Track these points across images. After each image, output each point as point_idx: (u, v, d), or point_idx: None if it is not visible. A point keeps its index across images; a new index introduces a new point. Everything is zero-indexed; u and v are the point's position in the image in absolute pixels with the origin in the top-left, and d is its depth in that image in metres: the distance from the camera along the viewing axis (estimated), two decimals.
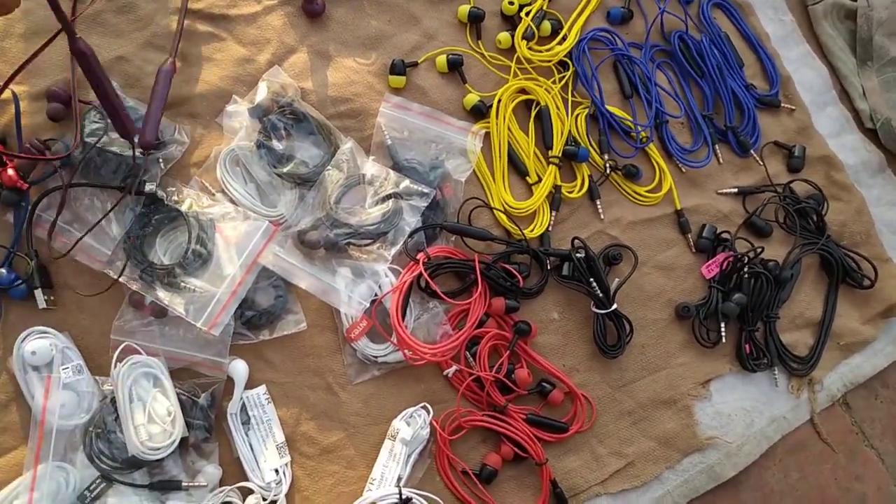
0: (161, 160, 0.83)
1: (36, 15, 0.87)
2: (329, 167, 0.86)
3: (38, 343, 0.76)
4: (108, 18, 0.88)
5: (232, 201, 0.84)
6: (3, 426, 0.77)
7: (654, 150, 1.01)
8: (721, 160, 1.06)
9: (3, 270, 0.79)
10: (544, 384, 0.89)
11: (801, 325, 1.03)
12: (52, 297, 0.80)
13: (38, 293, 0.79)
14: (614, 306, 0.90)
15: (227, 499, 0.77)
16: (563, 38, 0.99)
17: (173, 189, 0.83)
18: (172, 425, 0.75)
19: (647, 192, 1.00)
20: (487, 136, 0.95)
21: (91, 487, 0.74)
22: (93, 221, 0.78)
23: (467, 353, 0.88)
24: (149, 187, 0.80)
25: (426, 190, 0.87)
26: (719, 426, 0.95)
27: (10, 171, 0.77)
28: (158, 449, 0.73)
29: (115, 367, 0.75)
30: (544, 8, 1.00)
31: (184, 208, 0.82)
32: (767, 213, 1.04)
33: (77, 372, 0.77)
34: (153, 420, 0.74)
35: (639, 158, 1.01)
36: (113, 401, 0.76)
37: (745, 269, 0.97)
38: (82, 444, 0.75)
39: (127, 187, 0.78)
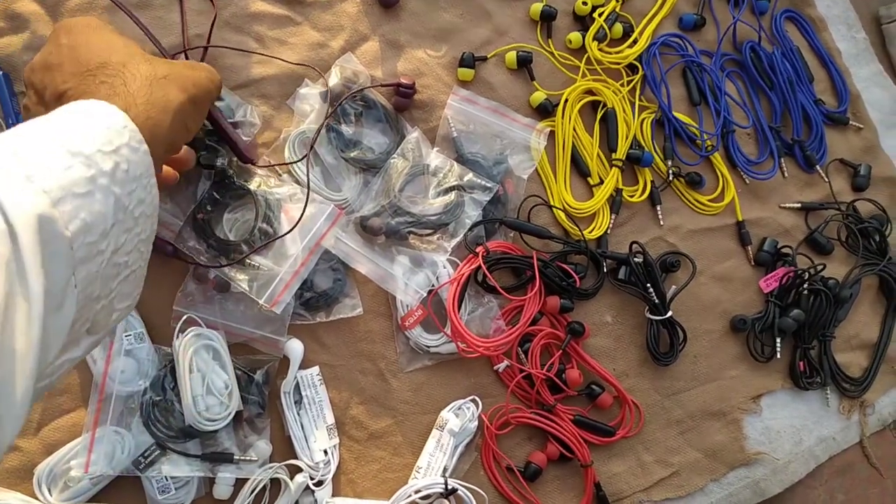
0: None
1: None
2: (394, 155, 0.87)
3: None
4: None
5: (297, 182, 0.85)
6: (64, 388, 0.79)
7: (718, 159, 1.00)
8: (786, 174, 1.04)
9: None
10: (594, 387, 0.89)
11: (855, 346, 1.01)
12: None
13: None
14: (669, 313, 0.89)
15: (276, 475, 0.78)
16: (634, 42, 0.99)
17: (242, 167, 0.84)
18: (229, 398, 0.76)
19: (708, 201, 0.99)
20: (552, 134, 0.95)
21: (146, 454, 0.75)
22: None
23: (519, 349, 0.88)
24: (220, 162, 0.81)
25: (489, 184, 0.87)
26: (767, 442, 0.94)
27: None
28: (214, 420, 0.74)
29: (177, 337, 0.76)
30: (617, 10, 0.99)
31: (252, 187, 0.83)
32: (830, 230, 1.03)
33: (139, 340, 0.78)
34: (211, 392, 0.75)
35: (702, 167, 1.00)
36: (172, 370, 0.77)
37: (805, 286, 0.95)
38: (139, 411, 0.76)
39: (203, 162, 0.80)
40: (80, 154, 0.45)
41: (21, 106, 0.82)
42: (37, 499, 0.73)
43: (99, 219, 0.45)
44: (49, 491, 0.73)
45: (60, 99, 0.55)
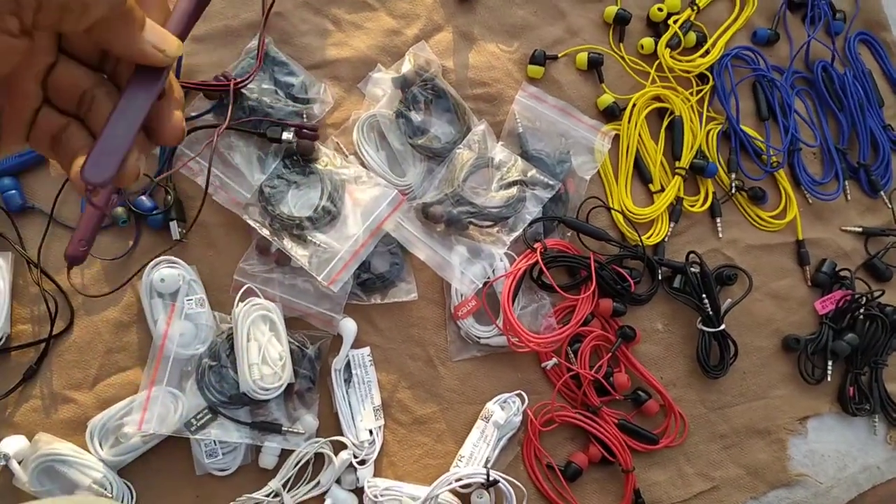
0: (304, 116, 0.85)
1: None
2: (460, 146, 0.88)
3: (167, 272, 0.79)
4: None
5: (363, 165, 0.86)
6: (123, 345, 0.80)
7: (783, 176, 0.99)
8: (849, 197, 1.03)
9: (145, 198, 0.82)
10: (640, 393, 0.88)
11: None
12: (184, 231, 0.83)
13: (174, 225, 0.82)
14: (722, 326, 0.89)
15: (321, 450, 0.79)
16: (707, 52, 0.98)
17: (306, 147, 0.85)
18: (282, 370, 0.77)
19: (770, 217, 0.98)
20: (616, 138, 0.95)
21: (198, 416, 0.77)
22: (235, 164, 0.81)
23: (569, 348, 0.88)
24: (286, 136, 0.82)
25: (551, 182, 0.88)
26: (811, 464, 0.93)
27: None
28: (268, 390, 0.75)
29: (237, 305, 0.78)
30: (692, 19, 0.99)
31: (319, 166, 0.84)
32: (890, 257, 1.01)
33: (200, 305, 0.80)
34: (266, 361, 0.77)
35: (766, 182, 0.99)
36: (229, 337, 0.78)
37: (862, 311, 0.94)
38: (195, 374, 0.78)
39: (269, 135, 0.81)
40: None
41: None
42: (88, 451, 0.75)
43: None
44: (101, 445, 0.75)
45: None
